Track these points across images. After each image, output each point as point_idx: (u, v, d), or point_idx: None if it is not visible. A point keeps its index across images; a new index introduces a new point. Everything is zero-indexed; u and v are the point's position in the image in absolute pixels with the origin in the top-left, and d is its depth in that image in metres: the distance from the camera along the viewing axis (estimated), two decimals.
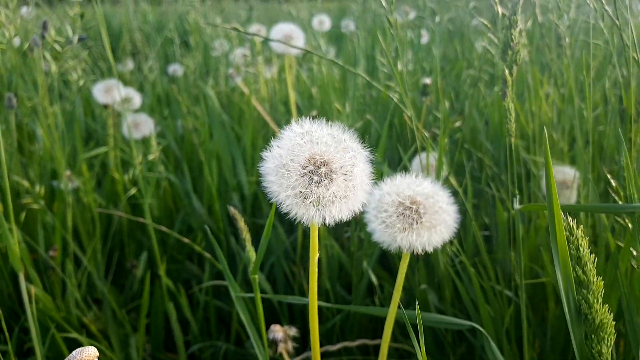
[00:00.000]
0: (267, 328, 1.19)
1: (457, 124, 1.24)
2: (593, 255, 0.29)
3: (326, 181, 0.41)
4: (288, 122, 1.90)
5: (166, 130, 1.84)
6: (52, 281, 1.25)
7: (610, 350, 0.34)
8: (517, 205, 0.56)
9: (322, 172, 0.41)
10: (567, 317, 0.32)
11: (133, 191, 1.15)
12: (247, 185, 1.46)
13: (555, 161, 1.22)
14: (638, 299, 0.59)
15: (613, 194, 0.62)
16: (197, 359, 1.24)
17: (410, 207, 0.51)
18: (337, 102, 1.48)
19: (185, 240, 0.87)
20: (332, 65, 2.29)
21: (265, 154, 0.43)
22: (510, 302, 0.95)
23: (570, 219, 0.28)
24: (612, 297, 0.71)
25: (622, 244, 0.65)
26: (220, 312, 1.33)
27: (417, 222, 0.51)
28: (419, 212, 0.51)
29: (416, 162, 1.17)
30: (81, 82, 1.21)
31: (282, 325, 0.78)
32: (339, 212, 0.42)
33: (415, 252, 0.52)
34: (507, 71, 0.56)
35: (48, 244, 1.30)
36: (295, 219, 0.42)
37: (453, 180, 1.01)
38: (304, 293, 1.12)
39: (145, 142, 1.70)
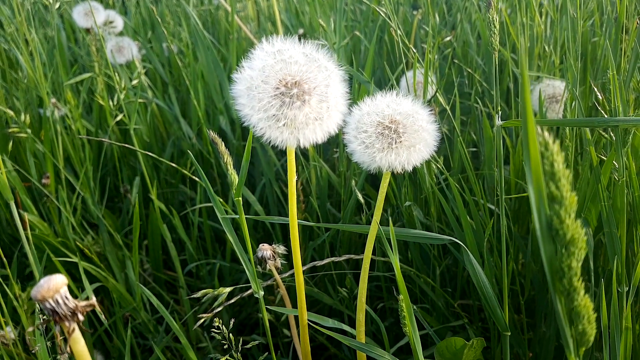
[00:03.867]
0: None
1: (448, 38, 1.20)
2: (568, 171, 0.29)
3: (299, 103, 0.40)
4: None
5: (152, 54, 1.80)
6: (47, 208, 1.27)
7: (579, 264, 0.35)
8: (498, 122, 0.56)
9: (294, 93, 0.40)
10: (538, 232, 0.33)
11: (120, 117, 1.14)
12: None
13: (546, 75, 1.20)
14: (618, 212, 0.60)
15: (599, 108, 0.62)
16: (195, 276, 1.29)
17: (389, 127, 0.51)
18: (325, 17, 1.43)
19: (173, 164, 0.87)
20: None
21: (235, 75, 0.42)
22: (493, 215, 0.97)
23: (546, 133, 0.28)
24: (592, 210, 0.73)
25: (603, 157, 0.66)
26: (216, 231, 1.36)
27: (396, 141, 0.51)
28: (398, 131, 0.51)
29: (405, 80, 1.15)
30: (57, 5, 1.16)
31: (272, 244, 0.81)
32: (314, 134, 0.42)
33: (395, 171, 0.52)
34: None
35: (40, 172, 1.31)
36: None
37: (441, 98, 1.00)
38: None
39: (130, 66, 1.66)
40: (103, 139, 0.87)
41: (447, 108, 1.01)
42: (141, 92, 1.51)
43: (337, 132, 0.47)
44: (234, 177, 0.60)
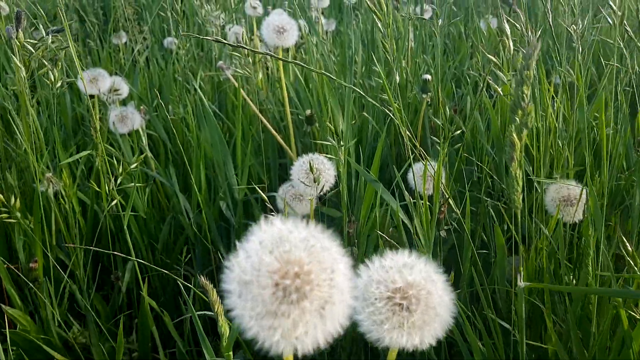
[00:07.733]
0: None
1: (457, 132, 1.16)
2: None
3: (298, 311, 0.35)
4: (281, 114, 1.81)
5: (157, 120, 1.77)
6: (34, 293, 1.20)
7: None
8: (521, 284, 0.51)
9: (293, 299, 0.35)
10: None
11: (115, 202, 1.09)
12: (238, 190, 1.40)
13: (561, 175, 1.16)
14: None
15: (628, 257, 0.56)
16: None
17: (400, 304, 0.45)
18: (333, 99, 1.40)
19: (165, 272, 0.82)
20: (333, 44, 2.19)
21: (228, 264, 0.37)
22: (505, 334, 0.90)
23: None
24: None
25: (636, 314, 0.60)
26: (212, 322, 1.29)
27: (408, 320, 0.45)
28: (410, 309, 0.45)
29: (415, 171, 1.10)
30: (59, 84, 1.13)
31: None
32: (314, 340, 0.36)
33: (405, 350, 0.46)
34: (515, 135, 0.49)
35: (30, 252, 1.25)
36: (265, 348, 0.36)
37: (452, 202, 0.95)
38: None
39: (133, 135, 1.63)
40: (92, 247, 0.82)
41: (458, 212, 0.96)
42: (142, 167, 1.47)
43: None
44: (224, 329, 0.54)
